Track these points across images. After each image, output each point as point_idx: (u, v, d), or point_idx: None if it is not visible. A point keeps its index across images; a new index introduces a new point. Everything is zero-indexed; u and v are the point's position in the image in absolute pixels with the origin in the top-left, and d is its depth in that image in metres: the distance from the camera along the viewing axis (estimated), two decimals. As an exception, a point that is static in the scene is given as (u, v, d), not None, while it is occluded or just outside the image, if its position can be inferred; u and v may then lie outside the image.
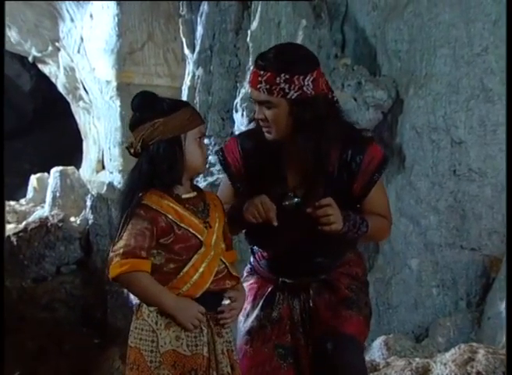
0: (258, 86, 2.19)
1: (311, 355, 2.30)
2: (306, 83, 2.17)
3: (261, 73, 2.18)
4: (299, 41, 4.68)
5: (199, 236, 2.10)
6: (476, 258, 4.07)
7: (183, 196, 2.14)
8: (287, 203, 2.20)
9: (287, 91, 2.16)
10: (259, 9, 4.82)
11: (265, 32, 4.80)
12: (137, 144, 2.12)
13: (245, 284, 2.38)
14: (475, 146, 4.12)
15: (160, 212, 2.08)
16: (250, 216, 2.17)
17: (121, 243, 2.07)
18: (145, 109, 2.14)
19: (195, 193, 2.17)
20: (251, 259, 2.44)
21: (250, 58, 4.86)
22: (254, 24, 4.85)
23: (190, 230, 2.10)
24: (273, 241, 2.27)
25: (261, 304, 2.36)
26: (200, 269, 2.08)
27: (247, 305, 2.36)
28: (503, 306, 3.60)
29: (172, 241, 2.08)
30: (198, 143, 2.14)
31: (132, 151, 2.14)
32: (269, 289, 2.37)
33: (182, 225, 2.08)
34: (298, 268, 2.31)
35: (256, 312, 2.35)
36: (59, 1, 7.26)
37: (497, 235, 4.05)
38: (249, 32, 4.90)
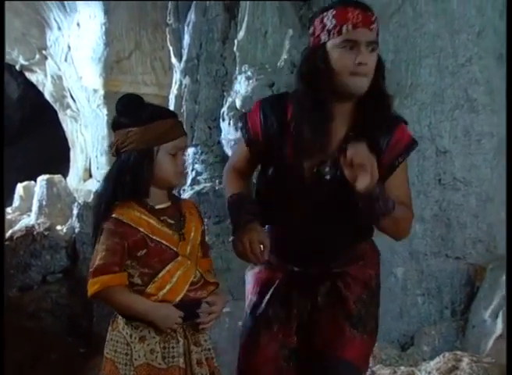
0: (372, 26, 2.06)
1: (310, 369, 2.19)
2: None
3: (369, 13, 2.07)
4: (285, 50, 4.71)
5: (173, 247, 2.08)
6: (461, 267, 4.08)
7: (157, 207, 2.11)
8: (327, 170, 2.10)
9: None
10: (246, 19, 4.84)
11: (252, 41, 4.82)
12: (113, 148, 2.11)
13: (251, 272, 2.32)
14: (460, 155, 4.14)
15: (131, 226, 2.05)
16: (238, 254, 2.11)
17: (92, 261, 2.06)
18: (124, 114, 2.10)
19: (169, 203, 2.14)
20: None
21: (237, 68, 4.89)
22: (241, 34, 4.87)
23: (163, 242, 2.07)
24: (293, 214, 2.15)
25: (267, 298, 2.25)
26: (176, 276, 2.06)
27: (253, 297, 2.28)
28: (487, 315, 3.62)
29: (146, 253, 2.05)
30: (172, 157, 2.08)
31: (110, 152, 2.13)
32: (277, 281, 2.25)
33: (154, 238, 2.06)
34: (310, 251, 2.19)
35: (263, 306, 2.25)
36: (47, 10, 7.26)
37: (481, 244, 4.07)
38: (236, 41, 4.92)
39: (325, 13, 2.08)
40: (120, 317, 2.08)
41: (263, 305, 2.24)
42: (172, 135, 2.09)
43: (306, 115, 2.09)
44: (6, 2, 6.38)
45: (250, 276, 2.33)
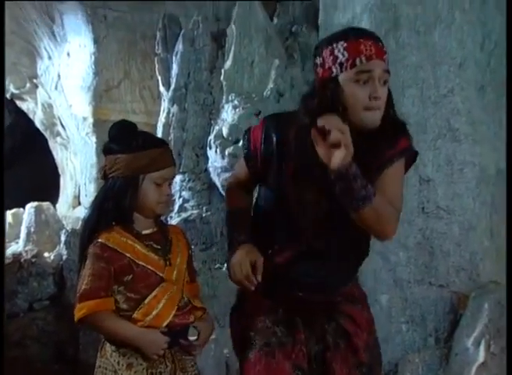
0: (385, 57, 2.02)
1: None
2: None
3: (380, 44, 2.02)
4: (272, 80, 4.74)
5: (159, 273, 2.08)
6: (444, 295, 4.06)
7: (143, 232, 2.12)
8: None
9: None
10: (233, 49, 4.89)
11: (239, 71, 4.85)
12: (101, 173, 2.12)
13: (243, 305, 2.22)
14: (443, 184, 4.14)
15: (117, 251, 2.05)
16: (231, 279, 2.06)
17: (79, 286, 2.05)
18: (114, 141, 2.13)
19: (155, 229, 2.14)
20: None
21: (224, 97, 4.92)
22: (228, 63, 4.91)
23: (149, 267, 2.07)
24: (293, 237, 2.08)
25: (273, 321, 2.14)
26: (162, 301, 2.06)
27: (256, 322, 2.16)
28: (469, 343, 3.59)
29: (132, 278, 2.06)
30: (157, 186, 2.09)
31: (99, 177, 2.16)
32: (279, 308, 2.16)
33: (140, 263, 2.06)
34: (310, 275, 2.10)
35: (270, 328, 2.14)
36: (38, 40, 7.31)
37: (464, 272, 4.06)
38: (223, 71, 4.95)
39: (335, 45, 2.02)
40: (108, 344, 2.07)
41: (269, 326, 2.14)
42: (159, 165, 2.09)
43: (310, 151, 1.98)
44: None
45: (243, 309, 2.21)
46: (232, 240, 2.13)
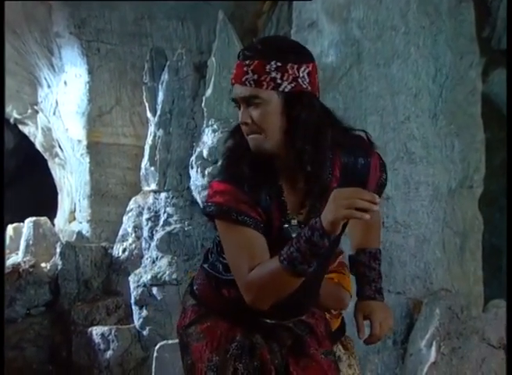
0: (244, 78, 1.60)
1: None
2: (301, 74, 1.60)
3: (247, 62, 1.60)
4: (248, 107, 4.76)
5: None
6: (401, 301, 4.07)
7: None
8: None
9: (279, 81, 1.59)
10: (213, 79, 4.91)
11: (218, 98, 4.87)
12: None
13: (197, 327, 1.82)
14: (400, 202, 4.17)
15: None
16: (350, 212, 1.50)
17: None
18: None
19: None
20: (199, 294, 1.85)
21: (205, 122, 4.93)
22: (209, 91, 4.92)
23: None
24: None
25: (231, 351, 1.77)
26: None
27: (211, 355, 1.77)
28: (422, 344, 3.60)
29: None
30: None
31: None
32: (238, 333, 1.79)
33: None
34: (292, 306, 1.79)
35: (231, 364, 1.76)
36: (38, 70, 7.30)
37: (419, 280, 4.07)
38: (204, 98, 4.96)
39: None
40: None
41: (231, 362, 1.77)
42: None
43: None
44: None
45: (198, 333, 1.82)
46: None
